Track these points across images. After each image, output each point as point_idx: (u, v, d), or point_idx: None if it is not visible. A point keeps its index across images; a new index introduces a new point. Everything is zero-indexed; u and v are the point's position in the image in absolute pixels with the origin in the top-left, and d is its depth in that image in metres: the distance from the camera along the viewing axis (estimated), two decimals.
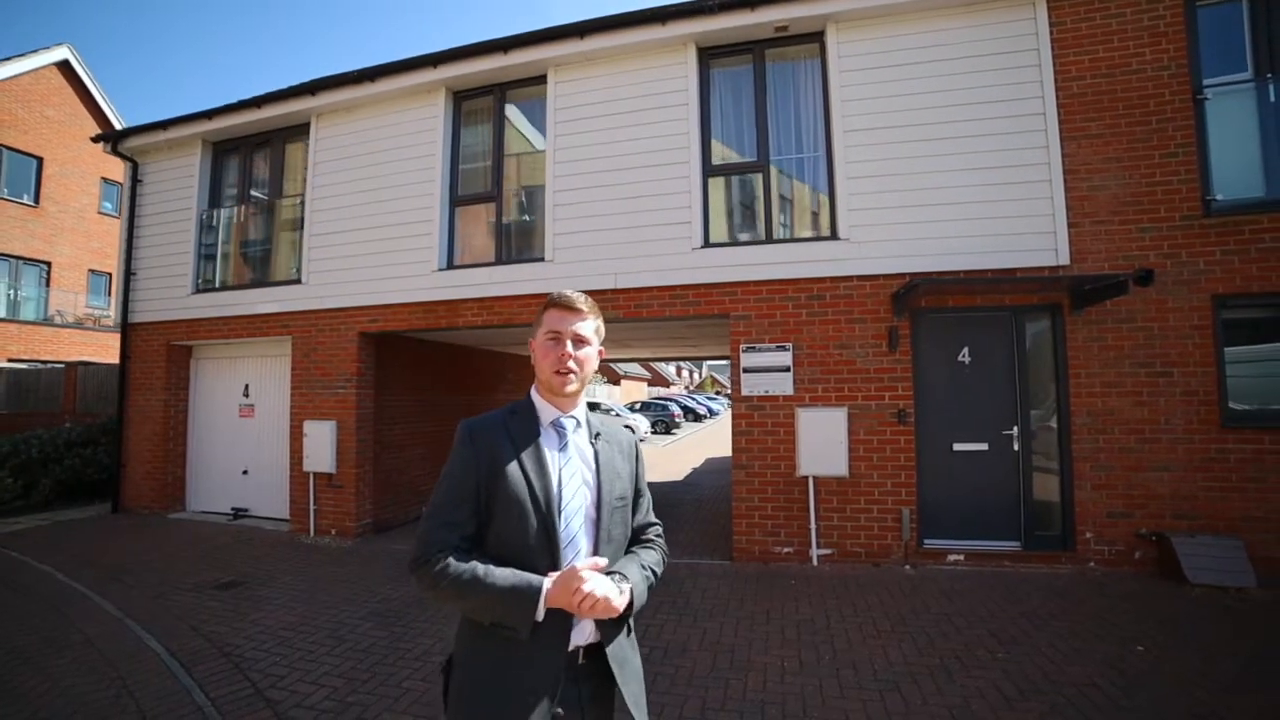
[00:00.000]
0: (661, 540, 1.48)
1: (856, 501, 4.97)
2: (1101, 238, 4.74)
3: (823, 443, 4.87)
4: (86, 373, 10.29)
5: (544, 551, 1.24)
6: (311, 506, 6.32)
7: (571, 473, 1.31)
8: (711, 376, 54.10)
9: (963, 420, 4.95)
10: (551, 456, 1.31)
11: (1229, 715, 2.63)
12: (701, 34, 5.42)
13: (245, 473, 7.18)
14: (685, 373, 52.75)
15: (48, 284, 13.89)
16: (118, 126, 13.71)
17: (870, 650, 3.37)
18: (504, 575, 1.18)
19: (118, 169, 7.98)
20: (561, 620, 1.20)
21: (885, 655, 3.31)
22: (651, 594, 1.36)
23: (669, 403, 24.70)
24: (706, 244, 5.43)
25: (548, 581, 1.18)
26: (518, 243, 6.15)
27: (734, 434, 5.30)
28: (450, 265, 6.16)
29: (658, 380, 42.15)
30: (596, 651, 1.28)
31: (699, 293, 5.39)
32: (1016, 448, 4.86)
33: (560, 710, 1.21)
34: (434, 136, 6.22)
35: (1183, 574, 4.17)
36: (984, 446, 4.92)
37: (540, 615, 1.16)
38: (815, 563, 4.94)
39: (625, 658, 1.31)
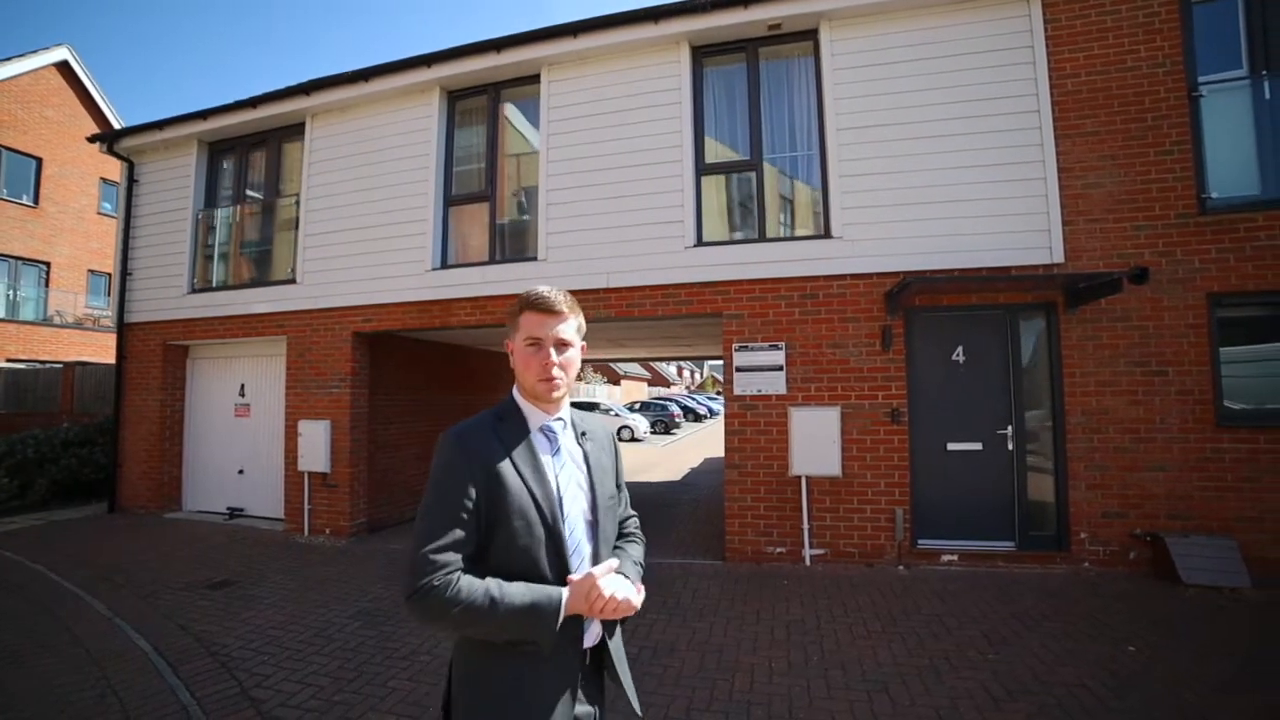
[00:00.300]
0: (640, 531, 1.51)
1: (850, 501, 4.94)
2: (1096, 236, 4.71)
3: (816, 442, 4.86)
4: (84, 373, 10.32)
5: (553, 562, 1.21)
6: (306, 506, 6.33)
7: (568, 478, 1.28)
8: (712, 376, 54.02)
9: (957, 420, 4.93)
10: (547, 462, 1.27)
11: (1220, 716, 2.61)
12: (694, 32, 5.41)
13: (241, 472, 7.19)
14: (686, 373, 52.76)
15: (47, 284, 13.92)
16: (117, 127, 13.73)
17: (860, 651, 3.35)
18: (519, 591, 1.13)
19: (117, 169, 8.00)
20: (574, 625, 1.21)
21: (875, 656, 3.29)
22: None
23: (669, 403, 24.70)
24: (700, 243, 5.41)
25: (566, 591, 1.16)
26: (511, 242, 6.14)
27: (727, 433, 5.28)
28: (444, 265, 6.16)
29: (658, 380, 42.15)
30: (597, 649, 1.30)
31: (692, 291, 5.38)
32: (1011, 447, 4.84)
33: (582, 711, 1.23)
34: (428, 136, 6.21)
35: (1177, 574, 4.15)
36: (978, 446, 4.89)
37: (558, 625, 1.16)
38: (808, 563, 4.92)
39: (621, 651, 1.35)
